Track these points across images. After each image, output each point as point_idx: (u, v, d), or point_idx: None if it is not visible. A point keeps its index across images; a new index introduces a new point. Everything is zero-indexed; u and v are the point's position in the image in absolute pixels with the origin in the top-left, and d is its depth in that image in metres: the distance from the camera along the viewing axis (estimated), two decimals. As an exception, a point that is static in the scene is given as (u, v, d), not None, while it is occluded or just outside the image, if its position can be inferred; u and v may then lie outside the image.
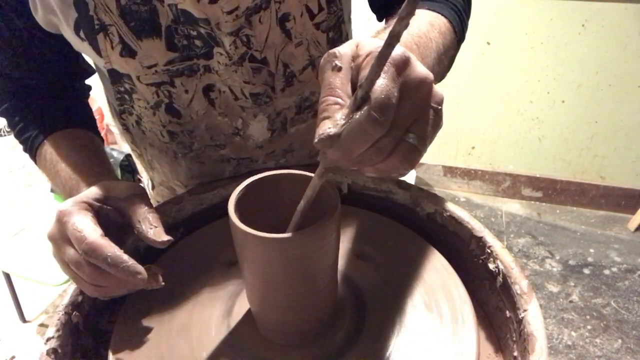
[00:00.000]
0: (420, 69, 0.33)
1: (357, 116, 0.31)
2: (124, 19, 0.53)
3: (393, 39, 0.29)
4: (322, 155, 0.34)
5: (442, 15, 0.56)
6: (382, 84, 0.31)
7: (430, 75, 0.34)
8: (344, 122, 0.31)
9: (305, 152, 0.71)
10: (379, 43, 0.34)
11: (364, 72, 0.33)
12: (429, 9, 0.56)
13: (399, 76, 0.32)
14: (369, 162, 0.33)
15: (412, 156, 0.33)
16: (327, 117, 0.32)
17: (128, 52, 0.55)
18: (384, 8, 0.65)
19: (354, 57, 0.35)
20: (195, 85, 0.59)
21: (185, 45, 0.56)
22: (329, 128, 0.31)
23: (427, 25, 0.51)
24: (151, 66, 0.57)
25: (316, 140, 0.32)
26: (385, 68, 0.31)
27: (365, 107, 0.30)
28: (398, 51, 0.32)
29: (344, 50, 0.35)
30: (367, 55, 0.34)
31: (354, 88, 0.34)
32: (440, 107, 0.35)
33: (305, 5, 0.57)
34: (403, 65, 0.32)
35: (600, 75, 2.19)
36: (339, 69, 0.34)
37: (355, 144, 0.31)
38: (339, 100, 0.33)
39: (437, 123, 0.35)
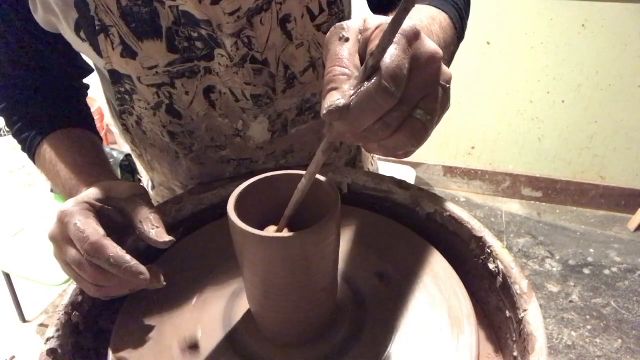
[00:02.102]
0: (430, 44, 0.33)
1: (367, 86, 0.30)
2: (125, 20, 0.53)
3: (409, 3, 0.28)
4: (328, 128, 0.33)
5: (443, 11, 0.56)
6: (394, 54, 0.30)
7: (440, 52, 0.33)
8: (352, 92, 0.30)
9: (305, 153, 0.71)
10: (387, 19, 0.33)
11: (374, 44, 0.32)
12: (429, 5, 0.56)
13: (410, 48, 0.31)
14: (375, 137, 0.32)
15: (420, 133, 0.32)
16: (335, 88, 0.31)
17: (129, 53, 0.55)
18: (383, 7, 0.65)
19: (362, 31, 0.34)
20: (195, 87, 0.59)
21: (186, 47, 0.56)
22: (338, 99, 0.30)
23: (428, 19, 0.51)
24: (152, 67, 0.57)
25: (324, 112, 0.30)
26: (396, 39, 0.30)
27: (376, 77, 0.30)
28: (409, 23, 0.31)
29: (352, 23, 0.34)
30: (376, 28, 0.33)
31: (361, 62, 0.33)
32: (448, 86, 0.34)
33: (306, 7, 0.57)
34: (414, 37, 0.32)
35: (600, 75, 2.19)
36: (347, 40, 0.33)
37: (364, 115, 0.30)
38: (347, 70, 0.32)
39: (446, 102, 0.34)
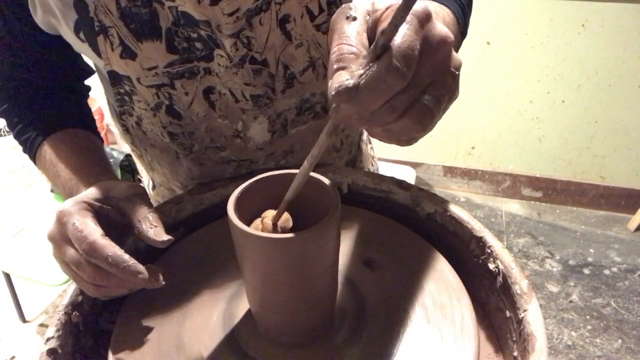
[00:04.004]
0: (441, 27, 0.32)
1: (377, 66, 0.28)
2: (124, 20, 0.53)
3: None
4: (334, 110, 0.31)
5: (446, 6, 0.56)
6: (405, 33, 0.29)
7: (451, 36, 0.32)
8: (361, 72, 0.29)
9: (305, 153, 0.70)
10: (397, 1, 0.32)
11: (384, 24, 0.31)
12: (432, 0, 0.56)
13: (421, 29, 0.30)
14: (380, 121, 0.31)
15: (426, 119, 0.31)
16: (343, 68, 0.30)
17: (128, 54, 0.55)
18: None
19: (370, 12, 0.33)
20: (195, 88, 0.59)
21: (186, 47, 0.56)
22: (347, 79, 0.29)
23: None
24: (151, 68, 0.57)
25: (332, 92, 0.29)
26: (408, 18, 0.29)
27: (386, 56, 0.28)
28: (420, 4, 0.30)
29: (360, 3, 0.33)
30: (386, 9, 0.32)
31: (369, 44, 0.32)
32: (458, 73, 0.33)
33: (305, 7, 0.57)
34: (426, 18, 0.31)
35: (600, 75, 2.19)
36: (354, 19, 0.32)
37: (372, 96, 0.29)
38: (354, 49, 0.30)
39: (454, 89, 0.33)
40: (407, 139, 0.34)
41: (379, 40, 0.29)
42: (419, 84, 0.31)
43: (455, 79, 0.33)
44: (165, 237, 0.47)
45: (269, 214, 0.42)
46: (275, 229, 0.41)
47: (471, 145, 2.57)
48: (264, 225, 0.41)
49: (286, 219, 0.41)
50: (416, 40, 0.29)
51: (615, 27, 2.06)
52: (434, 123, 0.33)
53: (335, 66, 0.30)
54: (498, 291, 0.49)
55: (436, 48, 0.31)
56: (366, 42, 0.31)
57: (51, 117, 0.66)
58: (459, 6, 0.58)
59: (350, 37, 0.31)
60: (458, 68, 0.33)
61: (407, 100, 0.31)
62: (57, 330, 0.45)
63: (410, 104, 0.31)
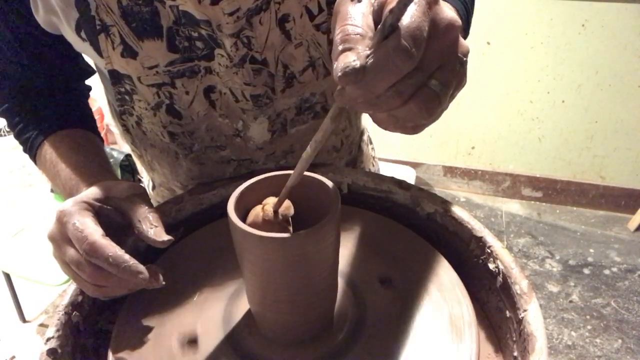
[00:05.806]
0: (449, 11, 0.31)
1: (385, 46, 0.28)
2: (126, 19, 0.53)
3: None
4: (339, 92, 0.31)
5: (449, 3, 0.55)
6: (414, 14, 0.28)
7: (459, 20, 0.31)
8: (368, 53, 0.28)
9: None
10: None
11: (391, 6, 0.30)
12: None
13: (429, 11, 0.30)
14: (386, 105, 0.30)
15: (432, 104, 0.30)
16: (349, 49, 0.29)
17: (129, 52, 0.55)
18: None
19: None
20: (196, 87, 0.59)
21: (187, 46, 0.56)
22: (354, 60, 0.28)
23: None
24: (152, 67, 0.57)
25: (339, 73, 0.28)
26: (416, 0, 0.29)
27: (394, 36, 0.28)
28: None
29: None
30: None
31: (375, 27, 0.31)
32: (465, 59, 0.32)
33: (305, 7, 0.57)
34: (434, 0, 0.30)
35: (600, 75, 2.19)
36: (359, 1, 0.31)
37: (380, 78, 0.28)
38: (360, 30, 0.29)
39: (462, 76, 0.33)
40: (412, 126, 0.33)
41: (386, 19, 0.28)
42: (426, 68, 0.30)
43: (463, 65, 0.32)
44: (166, 237, 0.47)
45: (270, 200, 0.42)
46: (276, 216, 0.40)
47: (471, 145, 2.57)
48: (265, 212, 0.41)
49: (287, 206, 0.41)
50: (424, 21, 0.29)
51: (615, 27, 2.06)
52: (441, 110, 0.32)
53: (340, 47, 0.29)
54: (498, 291, 0.49)
55: (444, 31, 0.31)
56: (372, 24, 0.31)
57: (52, 117, 0.66)
58: (462, 4, 0.57)
59: (355, 18, 0.30)
60: (466, 54, 0.33)
61: (414, 84, 0.30)
62: (57, 330, 0.45)
63: (417, 88, 0.30)
